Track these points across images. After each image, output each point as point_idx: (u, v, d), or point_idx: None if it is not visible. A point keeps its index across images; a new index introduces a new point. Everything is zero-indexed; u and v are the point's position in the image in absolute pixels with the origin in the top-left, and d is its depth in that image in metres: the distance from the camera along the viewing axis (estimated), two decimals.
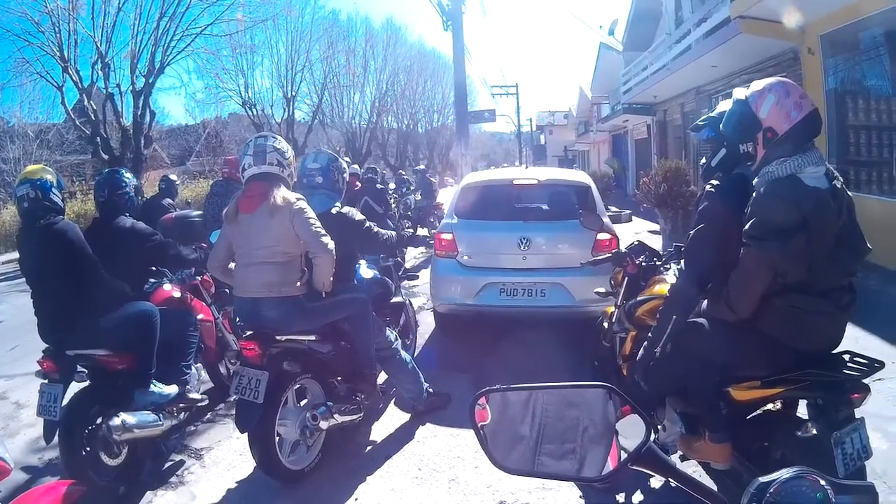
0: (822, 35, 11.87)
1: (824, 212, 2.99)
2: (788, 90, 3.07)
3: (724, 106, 3.64)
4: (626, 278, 4.73)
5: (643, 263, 4.69)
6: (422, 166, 29.59)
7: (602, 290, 5.31)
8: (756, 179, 3.15)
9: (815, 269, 3.02)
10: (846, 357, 3.09)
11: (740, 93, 3.25)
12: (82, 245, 4.54)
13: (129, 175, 5.21)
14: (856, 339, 5.62)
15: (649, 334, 3.60)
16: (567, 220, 7.38)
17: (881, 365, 3.00)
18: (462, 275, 7.43)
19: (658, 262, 4.70)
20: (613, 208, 20.02)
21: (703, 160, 3.83)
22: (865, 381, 3.04)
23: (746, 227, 3.05)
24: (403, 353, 5.46)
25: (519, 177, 8.37)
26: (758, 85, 3.16)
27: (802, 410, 3.39)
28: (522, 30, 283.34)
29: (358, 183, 12.41)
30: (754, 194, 3.10)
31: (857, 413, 3.06)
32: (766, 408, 3.44)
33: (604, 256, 5.25)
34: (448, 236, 7.59)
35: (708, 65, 16.30)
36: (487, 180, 8.79)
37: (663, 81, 20.50)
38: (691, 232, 3.46)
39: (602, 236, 6.98)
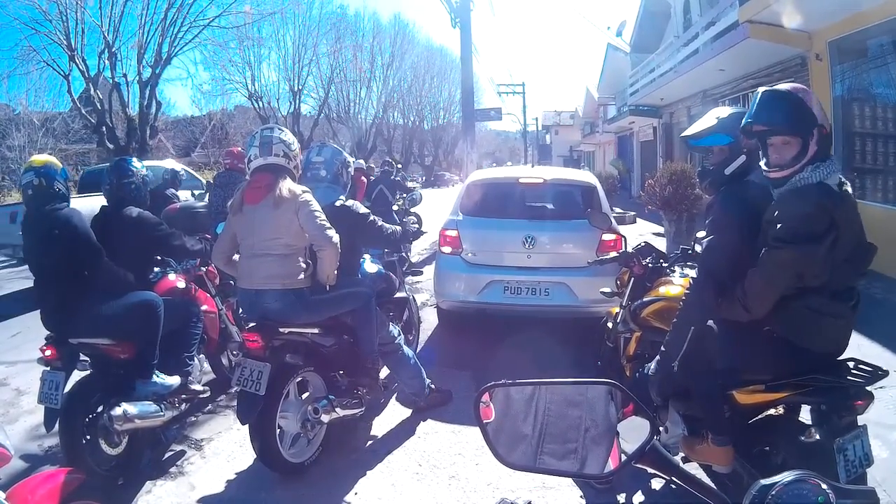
0: (830, 42, 11.83)
1: (850, 216, 3.01)
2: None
3: (720, 113, 3.64)
4: (632, 279, 4.73)
5: (650, 265, 4.68)
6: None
7: (608, 290, 5.31)
8: (786, 186, 3.12)
9: (834, 270, 3.03)
10: (850, 364, 3.09)
11: (775, 88, 3.20)
12: (87, 231, 4.54)
13: (137, 164, 5.20)
14: (858, 347, 5.61)
15: (662, 348, 3.56)
16: (572, 220, 7.41)
17: (885, 373, 3.00)
18: (466, 272, 7.45)
19: (664, 265, 4.69)
20: (618, 209, 20.01)
21: (702, 167, 3.82)
22: (868, 388, 3.04)
23: (775, 230, 3.04)
24: (406, 349, 5.46)
25: (525, 175, 8.39)
26: (789, 85, 3.16)
27: (805, 416, 3.39)
28: (530, 29, 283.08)
29: (363, 178, 12.53)
30: (782, 198, 3.09)
31: (860, 420, 3.06)
32: (768, 412, 3.44)
33: (610, 256, 5.24)
34: (453, 233, 7.59)
35: (715, 68, 16.28)
36: (493, 178, 8.85)
37: (670, 84, 20.47)
38: (704, 242, 3.45)
39: (607, 236, 6.97)
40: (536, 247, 7.23)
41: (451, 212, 7.98)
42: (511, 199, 7.94)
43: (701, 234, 4.02)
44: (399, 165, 17.89)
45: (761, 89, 3.23)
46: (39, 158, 4.75)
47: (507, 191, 8.17)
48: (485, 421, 1.49)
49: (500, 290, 7.24)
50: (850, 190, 3.13)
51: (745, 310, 3.17)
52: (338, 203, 4.89)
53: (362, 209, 5.08)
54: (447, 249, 7.64)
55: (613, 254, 5.35)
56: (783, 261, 3.02)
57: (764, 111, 3.14)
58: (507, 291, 7.23)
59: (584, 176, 9.02)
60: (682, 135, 3.93)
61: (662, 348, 3.55)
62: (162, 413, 4.68)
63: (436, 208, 13.61)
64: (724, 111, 3.66)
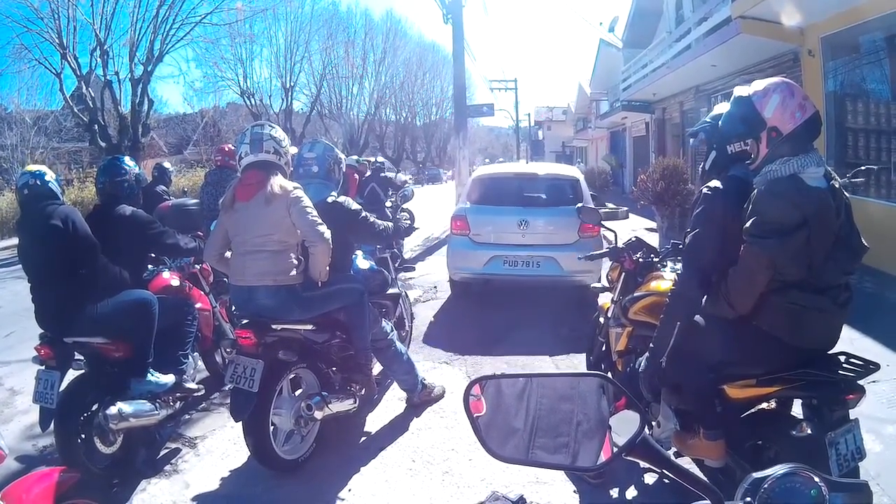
0: (822, 37, 11.83)
1: (824, 211, 3.00)
2: (793, 91, 3.08)
3: (720, 109, 3.66)
4: (623, 274, 4.74)
5: (640, 259, 4.69)
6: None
7: (598, 284, 5.38)
8: (757, 178, 3.16)
9: (814, 267, 3.03)
10: (842, 358, 3.10)
11: (742, 91, 3.23)
12: (83, 227, 4.55)
13: (130, 163, 5.20)
14: (851, 341, 5.62)
15: (651, 345, 3.58)
16: (559, 207, 8.99)
17: (876, 367, 3.01)
18: (473, 249, 9.02)
19: (655, 259, 4.70)
20: (610, 205, 20.11)
21: (701, 166, 3.86)
22: (860, 382, 3.05)
23: (747, 224, 3.05)
24: (399, 345, 5.47)
25: (521, 170, 10.40)
26: (760, 84, 3.15)
27: (797, 410, 3.40)
28: (523, 25, 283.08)
29: (356, 175, 12.58)
30: (755, 192, 3.10)
31: (852, 414, 3.07)
32: (760, 406, 3.44)
33: (600, 252, 5.27)
34: (462, 218, 9.20)
35: (707, 64, 16.27)
36: (494, 173, 10.48)
37: (663, 79, 20.47)
38: (688, 237, 3.46)
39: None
40: (530, 228, 8.81)
41: (461, 200, 9.80)
42: (509, 190, 9.48)
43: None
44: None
45: (735, 91, 3.30)
46: (33, 166, 4.85)
47: (505, 183, 9.76)
48: (475, 414, 1.49)
49: (500, 263, 8.83)
50: (836, 184, 3.14)
51: (730, 306, 3.19)
52: (330, 199, 4.89)
53: (354, 205, 5.07)
54: (457, 232, 9.24)
55: (604, 248, 5.41)
56: (755, 255, 3.03)
57: (715, 124, 3.38)
58: (506, 264, 8.83)
59: (570, 171, 10.83)
60: (689, 133, 4.08)
61: (651, 345, 3.56)
62: (156, 411, 4.67)
63: None
64: (718, 108, 3.73)
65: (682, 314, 3.39)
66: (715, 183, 3.47)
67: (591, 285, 5.85)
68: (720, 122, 3.39)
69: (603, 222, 5.42)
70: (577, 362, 6.58)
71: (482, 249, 8.94)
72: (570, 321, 8.10)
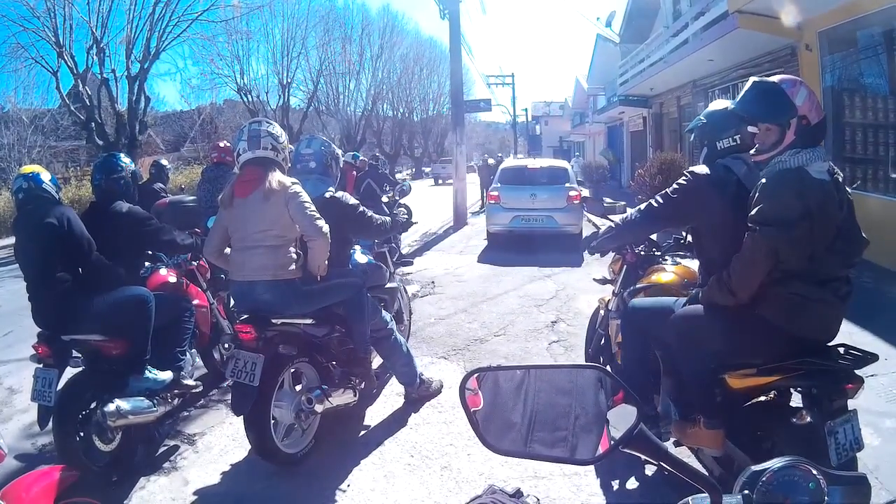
0: (820, 32, 11.83)
1: (828, 203, 3.05)
2: (811, 90, 3.18)
3: (717, 105, 3.72)
4: (625, 267, 4.76)
5: (642, 253, 4.73)
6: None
7: (599, 277, 5.42)
8: (765, 169, 3.21)
9: (816, 258, 3.07)
10: (841, 349, 3.12)
11: (764, 78, 3.28)
12: (78, 224, 4.55)
13: (125, 160, 5.20)
14: (850, 335, 5.63)
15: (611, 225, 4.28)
16: (555, 185, 14.64)
17: (874, 357, 3.04)
18: (502, 212, 14.66)
19: (657, 253, 4.73)
20: (608, 199, 20.15)
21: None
22: (859, 373, 3.06)
23: (752, 212, 3.10)
24: (398, 336, 5.48)
25: (531, 163, 17.21)
26: (778, 77, 3.23)
27: (796, 402, 3.41)
28: (520, 20, 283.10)
29: (354, 172, 12.64)
30: (762, 181, 3.16)
31: (851, 405, 3.09)
32: (760, 398, 3.46)
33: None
34: (496, 193, 14.89)
35: (705, 59, 16.27)
36: (515, 164, 17.30)
37: (660, 74, 20.50)
38: (658, 195, 3.70)
39: (572, 193, 14.04)
40: (537, 198, 14.31)
41: (495, 181, 15.71)
42: (524, 175, 15.47)
43: None
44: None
45: (752, 79, 3.33)
46: (28, 167, 4.83)
47: (522, 171, 15.89)
48: (472, 409, 1.48)
49: (519, 220, 14.40)
50: (839, 178, 3.18)
51: (731, 293, 3.22)
52: (327, 195, 4.90)
53: (352, 200, 5.08)
54: (493, 202, 14.91)
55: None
56: (758, 243, 3.07)
57: (744, 100, 3.32)
58: (522, 220, 14.36)
59: (562, 163, 17.64)
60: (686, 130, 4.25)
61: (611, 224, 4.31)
62: (154, 409, 4.67)
63: None
64: (714, 105, 3.86)
65: (610, 237, 4.26)
66: (702, 169, 3.54)
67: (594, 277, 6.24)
68: (738, 103, 3.39)
69: (608, 215, 5.45)
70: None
71: (508, 212, 14.53)
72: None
